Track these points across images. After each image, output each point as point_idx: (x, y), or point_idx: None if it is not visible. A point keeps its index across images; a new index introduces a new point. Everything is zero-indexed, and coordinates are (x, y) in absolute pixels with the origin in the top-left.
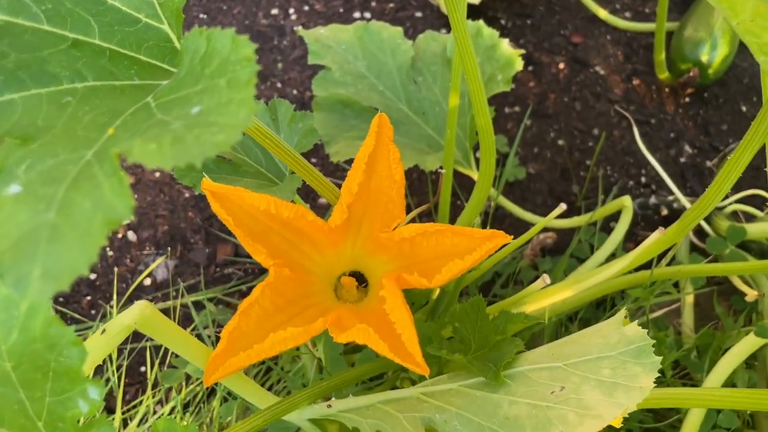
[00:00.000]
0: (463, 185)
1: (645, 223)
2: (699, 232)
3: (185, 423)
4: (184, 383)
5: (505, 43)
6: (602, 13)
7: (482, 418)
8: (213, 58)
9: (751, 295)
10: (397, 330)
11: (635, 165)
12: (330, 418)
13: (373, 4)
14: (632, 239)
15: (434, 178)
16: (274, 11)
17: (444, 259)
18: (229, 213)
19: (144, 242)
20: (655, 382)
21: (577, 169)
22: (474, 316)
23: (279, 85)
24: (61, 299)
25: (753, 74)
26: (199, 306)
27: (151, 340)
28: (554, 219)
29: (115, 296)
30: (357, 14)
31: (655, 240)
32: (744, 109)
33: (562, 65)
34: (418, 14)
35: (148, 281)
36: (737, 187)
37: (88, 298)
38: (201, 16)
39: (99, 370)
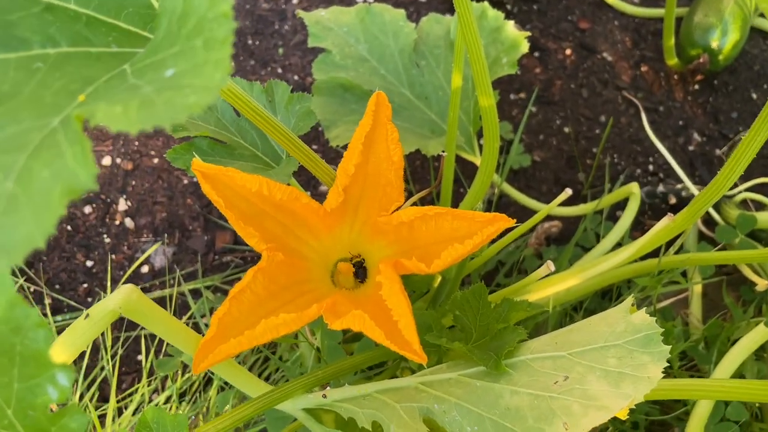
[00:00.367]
0: (466, 172)
1: (652, 212)
2: (708, 221)
3: (180, 412)
4: (180, 372)
5: (511, 26)
6: None
7: (482, 409)
8: (190, 17)
9: (761, 284)
10: (393, 317)
11: (643, 153)
12: (325, 408)
13: None
14: (639, 228)
15: (436, 164)
16: None
17: (443, 244)
18: (220, 195)
19: (142, 229)
20: (662, 373)
21: (584, 156)
22: (475, 304)
23: (279, 70)
24: (57, 286)
25: (764, 61)
26: (196, 294)
27: None
28: (560, 207)
29: (109, 284)
30: None
31: (663, 227)
32: (754, 96)
33: (568, 51)
34: None
35: (145, 268)
36: (747, 176)
37: (85, 285)
38: None
39: (93, 359)
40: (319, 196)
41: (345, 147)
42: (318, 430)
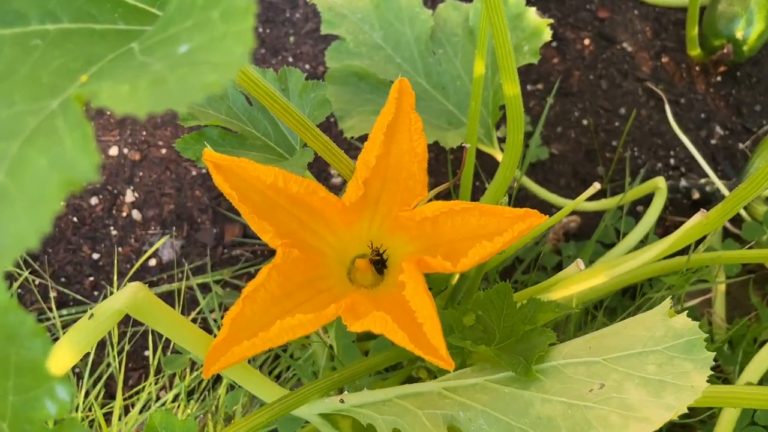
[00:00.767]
0: (484, 166)
1: (674, 207)
2: (732, 217)
3: (189, 412)
4: (188, 369)
5: (533, 12)
6: None
7: (511, 417)
8: None
9: None
10: (418, 319)
11: (663, 146)
12: (342, 413)
13: None
14: (660, 224)
15: (453, 157)
16: None
17: (470, 241)
18: (233, 187)
19: (149, 221)
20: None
21: (603, 150)
22: (499, 304)
23: (290, 59)
24: (62, 279)
25: None
26: (205, 288)
27: None
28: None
29: (115, 277)
30: None
31: (695, 224)
32: None
33: (587, 41)
34: None
35: (153, 262)
36: None
37: (91, 278)
38: None
39: (99, 354)
40: (331, 189)
41: (359, 139)
42: None
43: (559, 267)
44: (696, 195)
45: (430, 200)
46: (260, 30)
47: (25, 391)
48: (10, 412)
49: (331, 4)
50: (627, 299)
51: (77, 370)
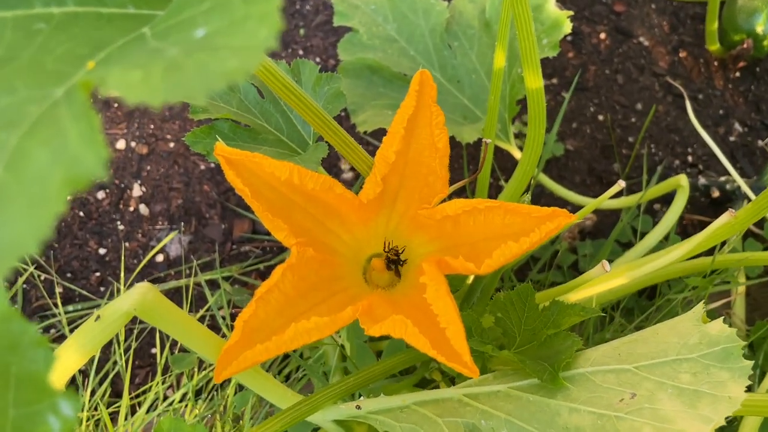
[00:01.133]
0: (499, 162)
1: (692, 205)
2: None
3: (196, 412)
4: (196, 368)
5: (552, 3)
6: None
7: (536, 427)
8: None
9: None
10: (440, 323)
11: (681, 143)
12: (358, 420)
13: None
14: (678, 223)
15: (468, 152)
16: None
17: (494, 241)
18: (245, 183)
19: (157, 216)
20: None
21: (619, 146)
22: (520, 306)
23: (301, 52)
24: (68, 274)
25: None
26: (213, 285)
27: None
28: (593, 199)
29: (122, 273)
30: None
31: (723, 224)
32: None
33: (603, 35)
34: None
35: (160, 257)
36: None
37: (97, 274)
38: None
39: (105, 352)
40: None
41: (371, 133)
42: None
43: (575, 266)
44: (716, 193)
45: (449, 197)
46: None
47: (26, 405)
48: (10, 427)
49: None
50: (644, 299)
51: (83, 367)
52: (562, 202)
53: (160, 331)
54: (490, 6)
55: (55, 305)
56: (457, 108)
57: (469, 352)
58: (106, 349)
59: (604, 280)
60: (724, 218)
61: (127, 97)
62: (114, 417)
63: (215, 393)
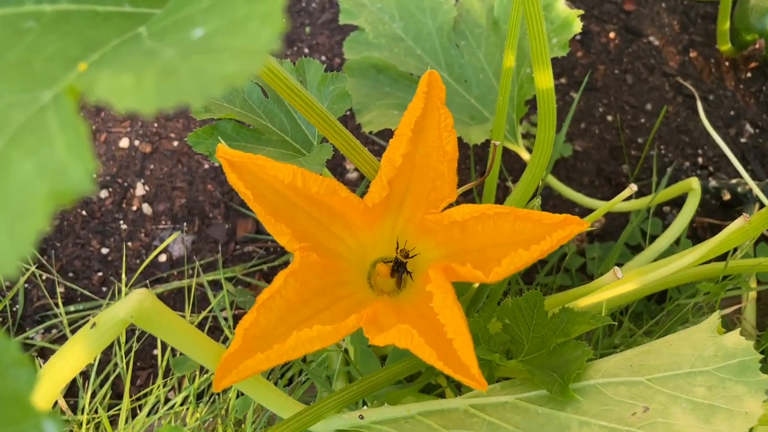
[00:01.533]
0: (506, 163)
1: (702, 208)
2: None
3: (198, 415)
4: (198, 371)
5: (562, 2)
6: None
7: None
8: None
9: None
10: (447, 334)
11: (691, 144)
12: (361, 429)
13: None
14: (688, 226)
15: (475, 152)
16: None
17: (503, 249)
18: (248, 186)
19: (160, 216)
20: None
21: (628, 147)
22: (529, 313)
23: (306, 50)
24: (70, 274)
25: None
26: (216, 286)
27: None
28: (605, 201)
29: (124, 273)
30: None
31: (737, 228)
32: None
33: (612, 34)
34: None
35: (163, 257)
36: None
37: (99, 274)
38: None
39: (107, 353)
40: (347, 184)
41: (377, 134)
42: None
43: (583, 269)
44: (726, 196)
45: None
46: None
47: (8, 425)
48: None
49: None
50: (653, 304)
51: (84, 369)
52: (570, 204)
53: None
54: (498, 4)
55: (57, 305)
56: (465, 108)
57: (477, 364)
58: (108, 351)
59: (615, 286)
60: (738, 223)
61: (117, 103)
62: (115, 420)
63: (217, 396)
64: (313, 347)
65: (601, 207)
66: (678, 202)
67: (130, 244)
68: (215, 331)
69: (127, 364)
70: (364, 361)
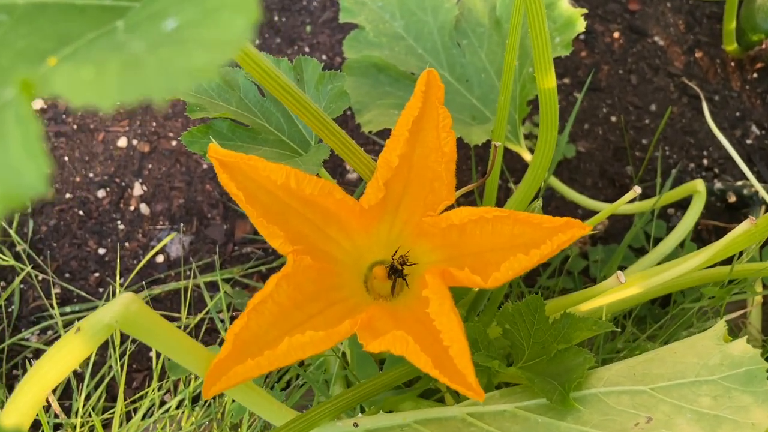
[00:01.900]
0: (508, 164)
1: (707, 210)
2: None
3: (193, 419)
4: (193, 375)
5: (565, 1)
6: None
7: None
8: None
9: None
10: (444, 341)
11: (696, 146)
12: None
13: None
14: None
15: (476, 153)
16: None
17: (502, 253)
18: (240, 187)
19: (157, 216)
20: None
21: (632, 148)
22: (530, 319)
23: (306, 49)
24: (66, 275)
25: None
26: (213, 287)
27: None
28: (608, 204)
29: (119, 274)
30: None
31: (743, 231)
32: None
33: (616, 34)
34: None
35: (160, 258)
36: None
37: (96, 274)
38: None
39: (102, 354)
40: (345, 186)
41: (377, 133)
42: None
43: (586, 271)
44: (732, 198)
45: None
46: (275, 18)
47: None
48: None
49: None
50: (656, 308)
51: (79, 370)
52: (572, 206)
53: None
54: (500, 3)
55: (52, 306)
56: (466, 108)
57: (474, 373)
58: (103, 352)
59: (618, 290)
60: (744, 226)
61: (74, 98)
62: (109, 423)
63: (213, 400)
64: (305, 353)
65: (604, 209)
66: (683, 205)
67: (127, 244)
68: (212, 334)
69: (123, 366)
70: (361, 365)
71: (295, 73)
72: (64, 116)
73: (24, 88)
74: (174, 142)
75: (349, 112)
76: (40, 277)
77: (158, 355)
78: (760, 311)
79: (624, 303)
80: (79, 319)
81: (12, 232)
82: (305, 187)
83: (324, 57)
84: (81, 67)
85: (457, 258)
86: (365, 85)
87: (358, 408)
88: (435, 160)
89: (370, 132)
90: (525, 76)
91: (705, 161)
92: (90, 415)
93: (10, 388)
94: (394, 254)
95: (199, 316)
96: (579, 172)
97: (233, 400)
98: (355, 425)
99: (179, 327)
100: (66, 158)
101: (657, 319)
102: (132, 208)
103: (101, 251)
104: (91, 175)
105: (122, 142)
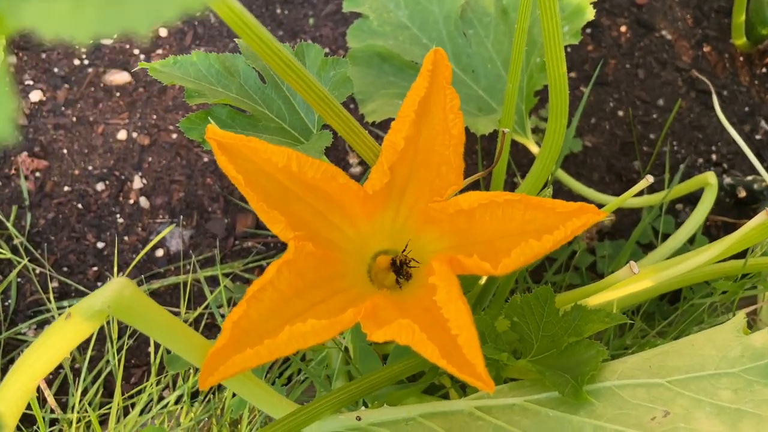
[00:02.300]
0: (515, 157)
1: (716, 205)
2: None
3: (192, 415)
4: (192, 369)
5: None
6: None
7: None
8: None
9: None
10: (452, 330)
11: (705, 140)
12: None
13: None
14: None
15: (482, 146)
16: None
17: (513, 239)
18: (239, 170)
19: (157, 210)
20: None
21: (640, 143)
22: (539, 311)
23: (309, 41)
24: (64, 269)
25: None
26: (213, 282)
27: None
28: (612, 197)
29: (116, 268)
30: None
31: (757, 225)
32: None
33: (624, 28)
34: None
35: (160, 252)
36: None
37: (95, 268)
38: None
39: (100, 349)
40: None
41: (380, 125)
42: None
43: (593, 267)
44: (742, 193)
45: (462, 191)
46: (278, 11)
47: None
48: None
49: None
50: (665, 304)
51: (76, 366)
52: (580, 200)
53: None
54: None
55: (50, 300)
56: (472, 99)
57: (483, 363)
58: (101, 347)
59: (628, 283)
60: (760, 218)
61: (47, 29)
62: (106, 418)
63: (212, 395)
64: (306, 343)
65: (615, 200)
66: (691, 200)
67: (126, 238)
68: (212, 329)
69: (120, 361)
70: (364, 359)
71: (296, 59)
72: (63, 108)
73: None
74: (174, 135)
75: (352, 105)
76: (37, 271)
77: (157, 349)
78: None
79: (634, 298)
80: None
81: (9, 225)
82: (307, 171)
83: (327, 50)
84: None
85: (466, 245)
86: (369, 75)
87: (360, 403)
88: (442, 143)
89: (373, 124)
90: (532, 66)
91: (714, 156)
92: (86, 411)
93: None
94: (404, 250)
95: (199, 310)
96: (586, 166)
97: (233, 395)
98: (358, 418)
99: None
100: (65, 151)
101: (666, 316)
102: (131, 201)
103: (100, 245)
104: (90, 167)
105: (122, 134)
